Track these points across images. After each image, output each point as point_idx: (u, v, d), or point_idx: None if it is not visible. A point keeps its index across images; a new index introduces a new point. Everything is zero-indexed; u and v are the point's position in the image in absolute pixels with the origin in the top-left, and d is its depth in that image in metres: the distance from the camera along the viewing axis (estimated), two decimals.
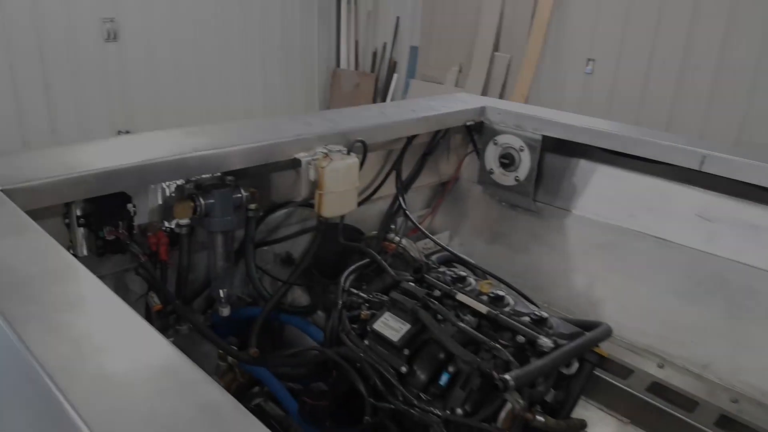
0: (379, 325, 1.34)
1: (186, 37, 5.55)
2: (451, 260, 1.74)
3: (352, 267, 1.60)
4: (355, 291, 1.49)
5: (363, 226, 2.20)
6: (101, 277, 1.61)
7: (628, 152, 2.00)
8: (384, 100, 6.43)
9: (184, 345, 1.79)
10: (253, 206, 1.71)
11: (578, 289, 2.18)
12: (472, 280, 1.48)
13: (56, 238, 1.44)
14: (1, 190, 1.12)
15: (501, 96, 5.60)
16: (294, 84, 6.48)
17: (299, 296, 1.93)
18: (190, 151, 1.40)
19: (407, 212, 1.98)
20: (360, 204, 2.14)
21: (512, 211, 2.35)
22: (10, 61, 4.67)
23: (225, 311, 1.72)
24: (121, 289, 1.63)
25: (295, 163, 1.64)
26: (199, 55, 5.68)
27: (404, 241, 1.86)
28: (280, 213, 1.95)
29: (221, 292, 1.71)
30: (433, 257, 1.68)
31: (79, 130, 5.19)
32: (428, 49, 6.24)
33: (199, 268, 1.81)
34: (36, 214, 1.30)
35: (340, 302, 1.44)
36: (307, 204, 1.99)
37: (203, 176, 1.61)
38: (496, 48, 5.70)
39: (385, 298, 1.45)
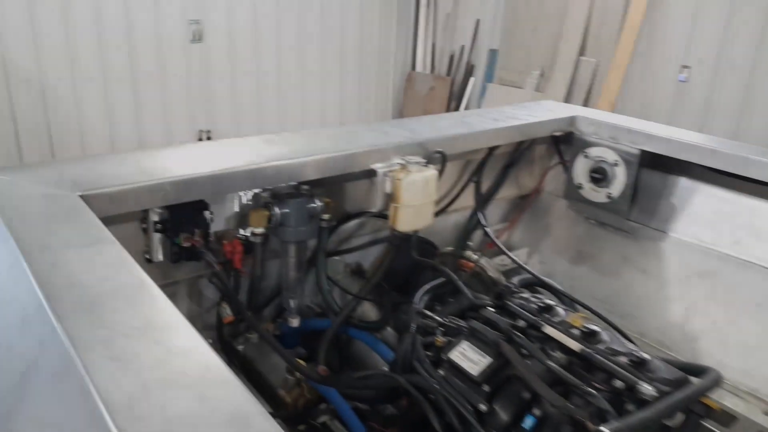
0: (456, 355, 1.24)
1: (266, 39, 5.67)
2: (534, 283, 1.60)
3: (427, 287, 1.50)
4: (429, 314, 1.40)
5: (437, 239, 2.10)
6: (175, 283, 1.62)
7: (737, 173, 1.79)
8: (459, 104, 6.28)
9: (254, 354, 1.78)
10: (326, 216, 1.65)
11: (674, 320, 1.98)
12: (560, 310, 1.34)
13: (133, 242, 1.45)
14: (80, 196, 1.11)
15: (586, 103, 5.32)
16: (369, 86, 6.47)
17: (368, 310, 1.86)
18: (267, 160, 1.36)
19: (487, 229, 1.86)
20: (435, 215, 2.04)
21: (601, 230, 2.17)
22: (102, 62, 4.94)
23: (294, 322, 1.68)
24: (194, 294, 1.62)
25: (370, 174, 1.57)
26: (278, 57, 5.78)
27: (483, 260, 1.74)
28: (353, 223, 1.89)
29: (291, 302, 1.67)
30: (514, 279, 1.55)
31: (163, 129, 5.42)
32: (508, 52, 6.03)
33: (271, 276, 1.78)
34: (113, 219, 1.30)
35: (414, 326, 1.35)
36: (380, 214, 1.92)
37: (279, 185, 1.57)
38: (581, 52, 5.42)
39: (462, 323, 1.34)
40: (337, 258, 1.97)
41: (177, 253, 1.41)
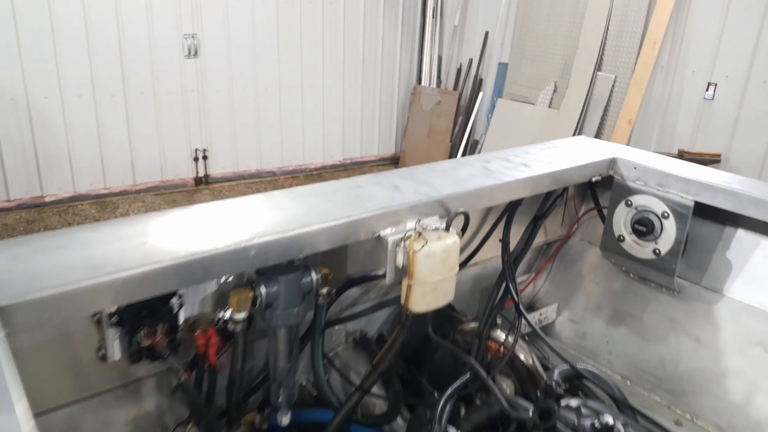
0: None
1: (265, 53, 5.39)
2: (576, 376, 1.31)
3: (452, 390, 1.21)
4: None
5: (455, 298, 1.81)
6: (138, 381, 1.34)
7: None
8: (467, 119, 6.00)
9: None
10: (324, 290, 1.36)
11: (733, 399, 1.67)
12: (620, 427, 1.05)
13: (82, 336, 1.18)
14: None
15: (603, 121, 5.03)
16: (373, 100, 6.20)
17: (378, 395, 1.57)
18: (251, 237, 1.07)
19: (520, 306, 1.56)
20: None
21: (643, 286, 1.87)
22: (92, 74, 4.67)
23: (285, 419, 1.39)
24: (163, 389, 1.33)
25: (379, 243, 1.28)
26: (278, 71, 5.51)
27: (520, 345, 1.45)
28: (355, 289, 1.60)
29: (281, 396, 1.37)
30: (557, 373, 1.26)
31: (156, 148, 5.14)
32: (519, 66, 5.75)
33: (257, 356, 1.49)
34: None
35: None
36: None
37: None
38: (598, 67, 5.13)
39: None
40: (337, 327, 1.68)
41: (137, 353, 1.12)
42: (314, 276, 1.30)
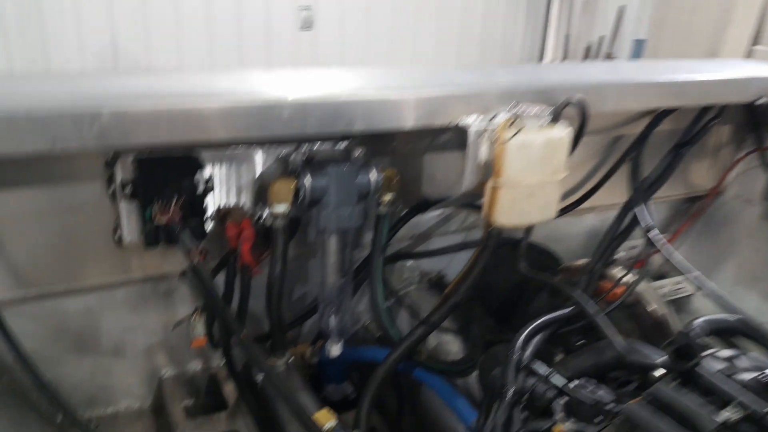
0: None
1: (379, 26, 5.26)
2: (730, 330, 0.92)
3: (540, 322, 0.89)
4: (540, 372, 0.79)
5: (561, 251, 1.45)
6: (164, 278, 1.16)
7: None
8: None
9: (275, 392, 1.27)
10: (388, 197, 1.10)
11: None
12: None
13: (98, 213, 1.02)
14: None
15: None
16: None
17: (448, 344, 1.27)
18: (293, 94, 0.83)
19: (652, 233, 1.16)
20: (560, 214, 1.41)
21: None
22: (210, 49, 4.81)
23: (335, 349, 1.14)
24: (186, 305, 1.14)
25: (458, 135, 0.99)
26: (391, 44, 5.36)
27: (642, 284, 1.08)
28: (432, 215, 1.32)
29: (331, 321, 1.13)
30: (698, 323, 0.88)
31: None
32: (658, 42, 5.07)
33: (303, 279, 1.27)
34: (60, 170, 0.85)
35: (510, 390, 0.75)
36: (476, 205, 1.33)
37: (317, 144, 1.05)
38: (755, 40, 4.37)
39: (608, 398, 0.71)
40: (409, 263, 1.41)
41: (153, 234, 0.94)
42: (374, 175, 1.04)
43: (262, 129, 0.84)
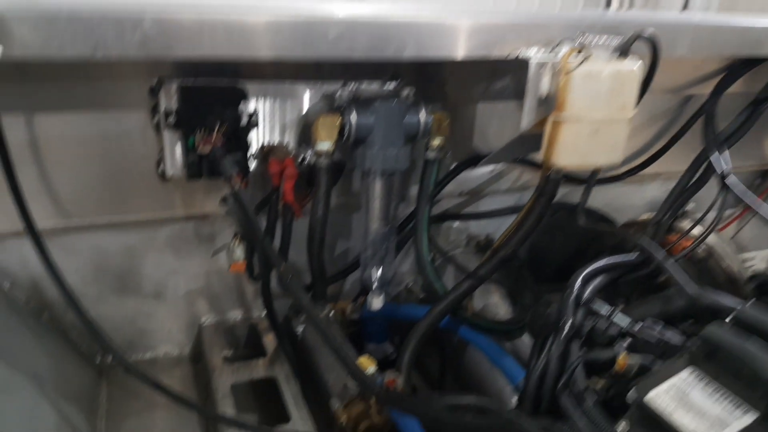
0: (663, 399, 0.54)
1: None
2: None
3: (602, 263, 0.81)
4: (599, 310, 0.71)
5: (619, 221, 1.36)
6: (205, 218, 1.13)
7: None
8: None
9: (315, 343, 1.23)
10: (437, 141, 1.04)
11: None
12: None
13: (142, 144, 1.00)
14: None
15: None
16: None
17: (496, 307, 1.20)
18: (342, 11, 0.79)
19: (728, 181, 1.06)
20: (621, 175, 1.31)
21: None
22: None
23: (376, 302, 1.09)
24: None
25: (517, 69, 0.92)
26: None
27: (713, 238, 0.98)
28: (483, 172, 1.24)
29: (374, 272, 1.08)
30: None
31: None
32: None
33: (345, 227, 1.23)
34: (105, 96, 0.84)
35: (569, 322, 0.68)
36: (533, 162, 1.25)
37: (364, 84, 1.00)
38: None
39: (676, 341, 0.63)
40: (456, 224, 1.34)
41: (195, 164, 0.91)
42: (424, 115, 0.98)
43: (307, 48, 0.79)
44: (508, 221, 1.37)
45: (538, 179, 1.30)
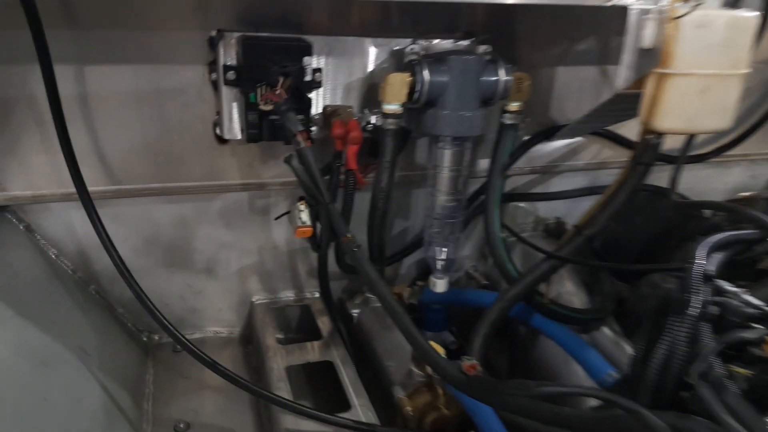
0: None
1: None
2: None
3: (722, 236, 0.70)
4: (733, 289, 0.60)
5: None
6: (262, 186, 1.04)
7: None
8: None
9: (372, 326, 1.14)
10: (516, 105, 0.94)
11: None
12: None
13: (199, 103, 0.93)
14: None
15: None
16: None
17: (571, 295, 1.09)
18: None
19: None
20: (705, 154, 1.19)
21: None
22: None
23: (440, 285, 1.00)
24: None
25: (612, 19, 0.81)
26: None
27: None
28: (554, 147, 1.13)
29: (438, 251, 0.99)
30: None
31: None
32: None
33: (406, 204, 1.14)
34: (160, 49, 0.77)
35: (698, 299, 0.57)
36: (614, 135, 1.14)
37: (431, 36, 0.91)
38: None
39: None
40: (523, 206, 1.24)
41: (255, 124, 0.84)
42: (503, 74, 0.89)
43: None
44: (582, 204, 1.27)
45: (620, 155, 1.19)
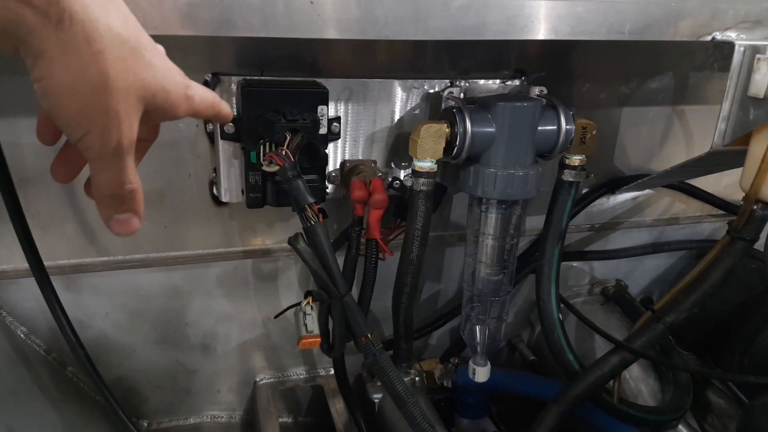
0: None
1: None
2: None
3: None
4: None
5: None
6: (268, 254, 0.85)
7: None
8: None
9: (394, 414, 0.97)
10: (578, 159, 0.77)
11: None
12: None
13: (195, 159, 0.78)
14: None
15: None
16: None
17: (637, 381, 0.90)
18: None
19: None
20: None
21: None
22: None
23: (481, 373, 0.82)
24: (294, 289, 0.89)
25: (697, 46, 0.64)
26: None
27: None
28: (616, 201, 0.95)
29: (480, 333, 0.81)
30: None
31: None
32: None
33: (443, 269, 0.97)
34: None
35: None
36: (687, 187, 0.96)
37: (473, 76, 0.75)
38: None
39: None
40: (575, 265, 1.06)
41: (258, 187, 0.68)
42: (564, 122, 0.71)
43: (419, 24, 0.55)
44: (645, 263, 1.08)
45: (693, 210, 1.01)
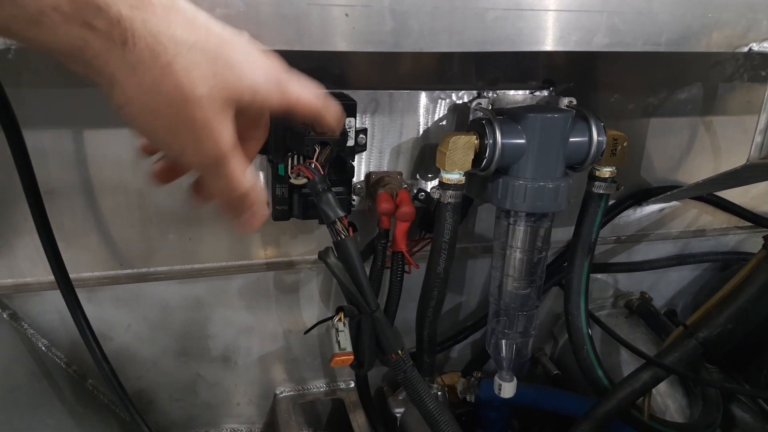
0: None
1: None
2: None
3: None
4: None
5: None
6: (293, 266, 0.83)
7: None
8: None
9: (417, 428, 0.96)
10: (609, 171, 0.76)
11: None
12: None
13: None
14: None
15: None
16: None
17: (665, 396, 0.88)
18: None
19: None
20: None
21: None
22: None
23: (507, 389, 0.80)
24: (330, 298, 0.88)
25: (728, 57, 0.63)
26: None
27: None
28: (650, 210, 0.94)
29: (506, 348, 0.80)
30: None
31: None
32: None
33: (465, 281, 0.96)
34: None
35: None
36: (714, 198, 0.95)
37: (501, 87, 0.74)
38: None
39: None
40: (600, 277, 1.04)
41: (285, 200, 0.67)
42: (596, 133, 0.70)
43: (453, 36, 0.54)
44: (670, 275, 1.06)
45: (720, 221, 0.99)
